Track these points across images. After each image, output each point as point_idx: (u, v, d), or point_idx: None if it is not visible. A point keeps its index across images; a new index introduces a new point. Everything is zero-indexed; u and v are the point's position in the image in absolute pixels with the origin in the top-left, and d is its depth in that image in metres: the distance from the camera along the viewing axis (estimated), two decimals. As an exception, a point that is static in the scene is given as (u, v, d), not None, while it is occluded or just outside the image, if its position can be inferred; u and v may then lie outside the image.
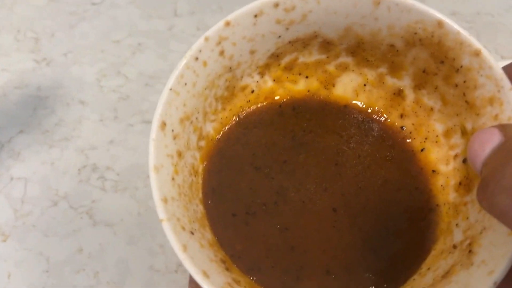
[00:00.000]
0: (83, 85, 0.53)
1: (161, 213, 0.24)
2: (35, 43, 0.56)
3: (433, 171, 0.31)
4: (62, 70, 0.54)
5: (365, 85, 0.33)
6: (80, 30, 0.58)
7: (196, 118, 0.29)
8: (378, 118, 0.33)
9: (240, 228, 0.29)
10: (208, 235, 0.27)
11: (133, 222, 0.45)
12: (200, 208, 0.28)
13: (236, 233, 0.28)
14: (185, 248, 0.23)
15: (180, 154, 0.27)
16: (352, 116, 0.33)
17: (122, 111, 0.52)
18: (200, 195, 0.29)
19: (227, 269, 0.26)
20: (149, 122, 0.51)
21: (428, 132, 0.31)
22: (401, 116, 0.32)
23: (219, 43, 0.27)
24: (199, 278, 0.23)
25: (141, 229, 0.45)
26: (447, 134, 0.30)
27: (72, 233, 0.44)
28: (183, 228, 0.24)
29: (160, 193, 0.24)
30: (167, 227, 0.23)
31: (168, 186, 0.25)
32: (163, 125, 0.25)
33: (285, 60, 0.32)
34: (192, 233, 0.25)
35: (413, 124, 0.32)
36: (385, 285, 0.27)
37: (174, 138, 0.26)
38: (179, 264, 0.43)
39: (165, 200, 0.24)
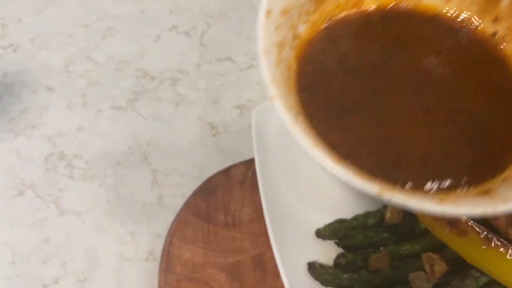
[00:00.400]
0: (50, 71, 0.51)
1: (273, 90, 0.24)
2: (1, 28, 0.55)
3: None
4: (29, 56, 0.52)
5: None
6: (48, 14, 0.56)
7: (293, 15, 0.29)
8: (469, 25, 0.32)
9: (335, 122, 0.29)
10: (305, 125, 0.28)
11: (102, 210, 0.44)
12: (297, 100, 0.29)
13: (331, 126, 0.29)
14: (295, 123, 0.24)
15: (280, 46, 0.28)
16: (442, 24, 0.33)
17: (91, 97, 0.50)
18: (294, 91, 0.30)
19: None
20: (119, 108, 0.49)
21: None
22: (495, 20, 0.32)
23: None
24: (315, 149, 0.23)
25: (110, 217, 0.44)
26: None
27: (38, 223, 0.43)
28: (289, 109, 0.25)
29: (270, 74, 0.25)
30: (278, 103, 0.24)
31: (274, 71, 0.26)
32: (269, 13, 0.26)
33: None
34: (297, 115, 0.26)
35: (507, 28, 0.31)
36: (481, 174, 0.28)
37: (276, 29, 0.27)
38: (150, 252, 0.42)
39: (274, 81, 0.25)
